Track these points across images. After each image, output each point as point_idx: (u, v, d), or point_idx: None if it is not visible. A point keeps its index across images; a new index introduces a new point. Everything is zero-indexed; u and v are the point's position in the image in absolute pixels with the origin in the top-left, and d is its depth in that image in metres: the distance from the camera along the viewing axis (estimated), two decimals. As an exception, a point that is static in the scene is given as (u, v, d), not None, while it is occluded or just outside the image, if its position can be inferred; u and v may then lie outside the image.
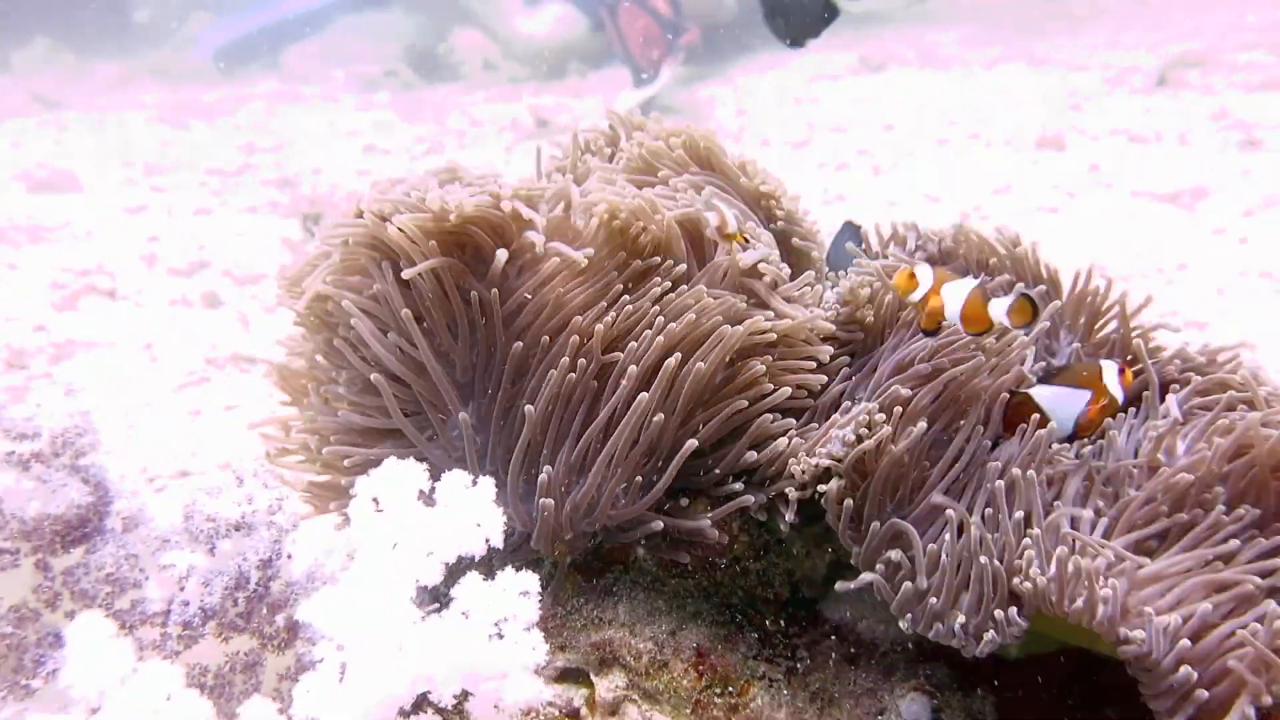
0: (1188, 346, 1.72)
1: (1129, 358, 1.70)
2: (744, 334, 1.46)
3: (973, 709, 1.40)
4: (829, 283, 1.73)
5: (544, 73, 8.81)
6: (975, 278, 1.55)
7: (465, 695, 1.20)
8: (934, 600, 1.27)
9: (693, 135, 1.78)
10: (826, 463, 1.39)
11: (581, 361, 1.44)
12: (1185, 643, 1.19)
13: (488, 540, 1.19)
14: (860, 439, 1.39)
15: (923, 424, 1.41)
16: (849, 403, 1.52)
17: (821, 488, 1.41)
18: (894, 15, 10.19)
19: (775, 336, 1.50)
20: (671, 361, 1.42)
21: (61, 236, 4.99)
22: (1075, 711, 1.39)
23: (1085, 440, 1.49)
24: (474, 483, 1.20)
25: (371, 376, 1.50)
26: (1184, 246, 4.12)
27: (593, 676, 1.44)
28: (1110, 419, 1.52)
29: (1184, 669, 1.18)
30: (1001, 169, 5.37)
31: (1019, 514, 1.35)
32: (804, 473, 1.39)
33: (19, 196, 5.65)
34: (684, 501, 1.48)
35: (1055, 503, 1.38)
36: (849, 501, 1.38)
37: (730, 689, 1.44)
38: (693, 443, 1.42)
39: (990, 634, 1.24)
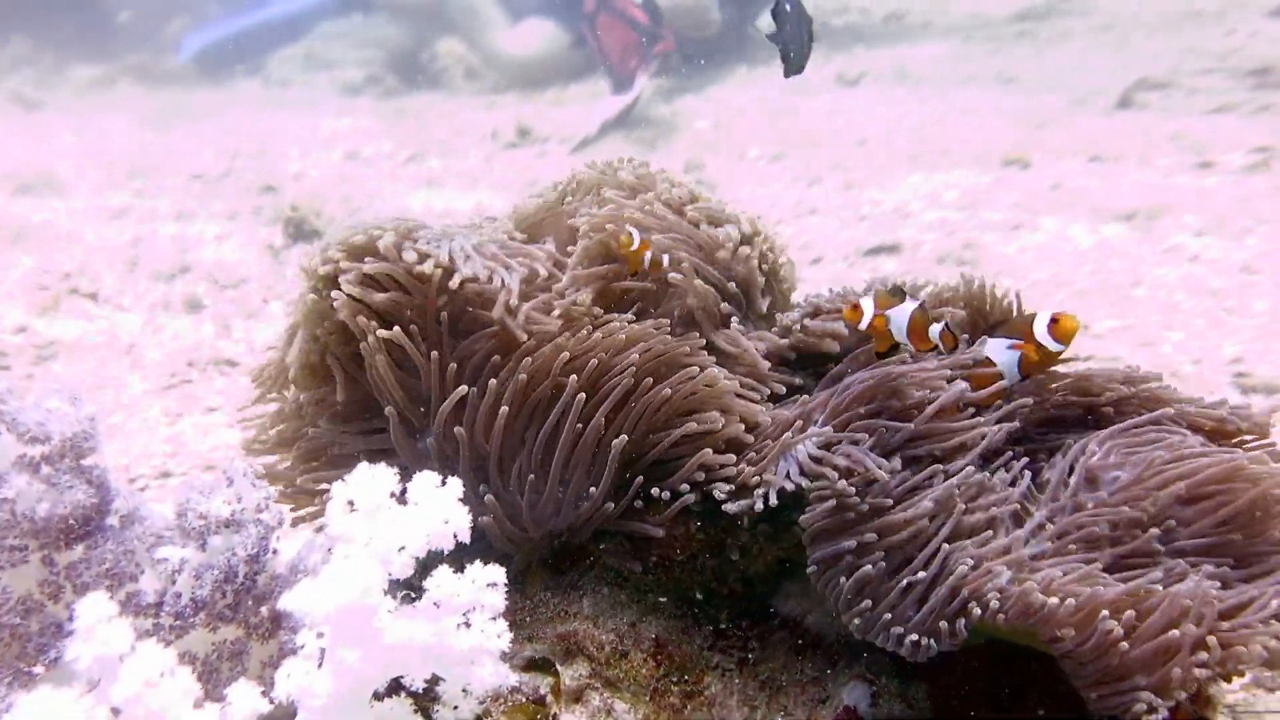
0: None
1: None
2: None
3: (908, 694, 1.51)
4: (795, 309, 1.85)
5: (525, 83, 8.92)
6: (914, 299, 1.66)
7: (436, 679, 1.30)
8: (886, 615, 1.39)
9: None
10: (790, 486, 1.51)
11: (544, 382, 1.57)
12: (1116, 631, 1.30)
13: (456, 536, 1.28)
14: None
15: (897, 463, 1.52)
16: (801, 422, 1.63)
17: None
18: (871, 31, 10.37)
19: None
20: (623, 384, 1.53)
21: (43, 238, 5.04)
22: (1003, 693, 1.50)
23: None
24: (443, 483, 1.29)
25: (387, 409, 1.61)
26: (1137, 264, 4.28)
27: (558, 666, 1.55)
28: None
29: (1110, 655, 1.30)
30: (969, 185, 5.52)
31: (971, 524, 1.46)
32: (764, 497, 1.50)
33: (1, 198, 5.70)
34: (638, 504, 1.59)
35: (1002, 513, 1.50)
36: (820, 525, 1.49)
37: (686, 677, 1.55)
38: (620, 440, 1.52)
39: (929, 642, 1.36)
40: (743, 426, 1.61)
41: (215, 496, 1.36)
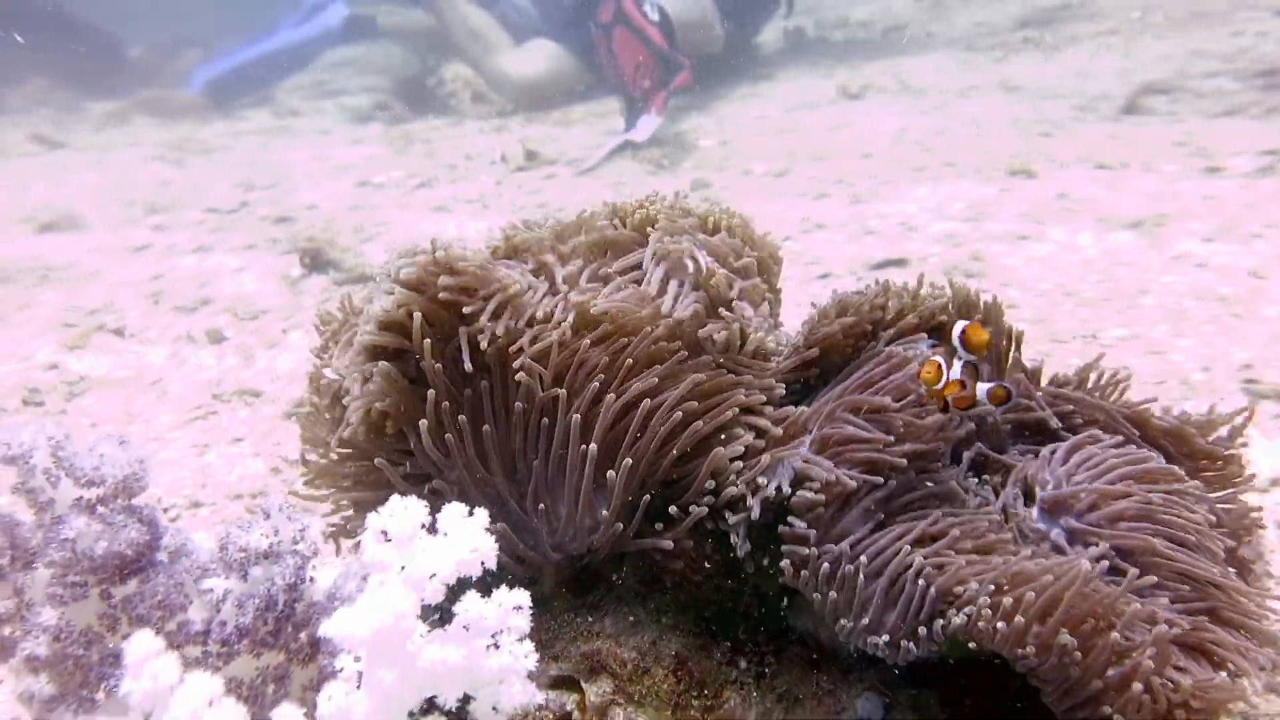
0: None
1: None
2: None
3: (920, 703, 1.57)
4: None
5: (532, 104, 9.04)
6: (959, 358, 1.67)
7: (467, 699, 1.37)
8: (864, 620, 1.46)
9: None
10: (771, 493, 1.58)
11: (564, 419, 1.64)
12: (1073, 649, 1.37)
13: (483, 563, 1.35)
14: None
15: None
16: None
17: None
18: (873, 44, 10.47)
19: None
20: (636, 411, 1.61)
21: (68, 276, 5.17)
22: (1014, 701, 1.56)
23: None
24: (470, 513, 1.37)
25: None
26: (1144, 272, 4.32)
27: (583, 683, 1.61)
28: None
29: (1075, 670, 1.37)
30: (975, 197, 5.58)
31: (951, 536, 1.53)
32: (751, 509, 1.57)
33: (27, 238, 5.83)
34: (659, 526, 1.66)
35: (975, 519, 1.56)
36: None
37: (706, 691, 1.62)
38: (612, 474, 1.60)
39: (908, 645, 1.42)
40: (753, 434, 1.67)
41: (254, 530, 1.43)
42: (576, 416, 1.62)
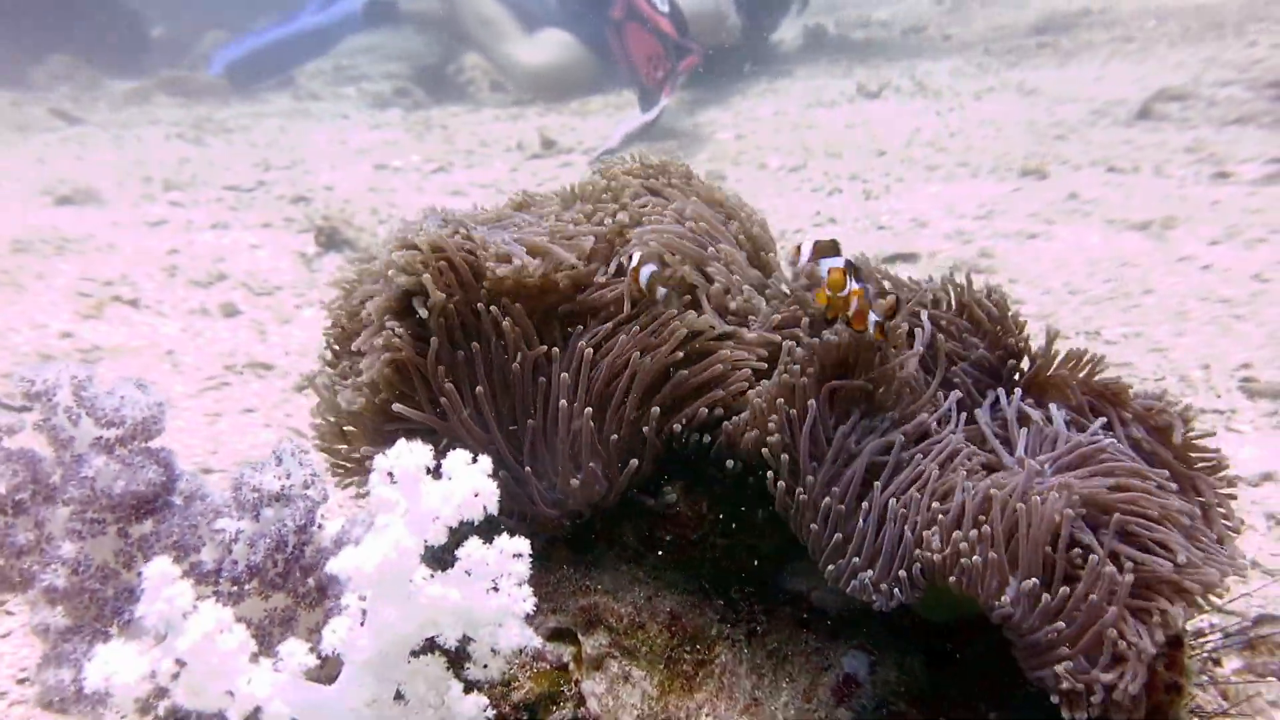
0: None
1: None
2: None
3: (904, 663, 1.62)
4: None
5: (548, 94, 9.08)
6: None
7: (467, 640, 1.41)
8: (855, 560, 1.50)
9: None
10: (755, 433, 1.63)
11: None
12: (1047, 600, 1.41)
13: (485, 508, 1.39)
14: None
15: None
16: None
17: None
18: (891, 44, 10.49)
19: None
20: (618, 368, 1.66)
21: (85, 248, 5.23)
22: (999, 663, 1.60)
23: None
24: (474, 460, 1.41)
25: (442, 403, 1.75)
26: (1149, 272, 4.35)
27: (580, 636, 1.66)
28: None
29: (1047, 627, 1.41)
30: (987, 196, 5.61)
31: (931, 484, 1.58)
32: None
33: (45, 210, 5.91)
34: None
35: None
36: (785, 456, 1.61)
37: (699, 647, 1.66)
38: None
39: (895, 590, 1.47)
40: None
41: (266, 471, 1.49)
42: (565, 375, 1.66)
